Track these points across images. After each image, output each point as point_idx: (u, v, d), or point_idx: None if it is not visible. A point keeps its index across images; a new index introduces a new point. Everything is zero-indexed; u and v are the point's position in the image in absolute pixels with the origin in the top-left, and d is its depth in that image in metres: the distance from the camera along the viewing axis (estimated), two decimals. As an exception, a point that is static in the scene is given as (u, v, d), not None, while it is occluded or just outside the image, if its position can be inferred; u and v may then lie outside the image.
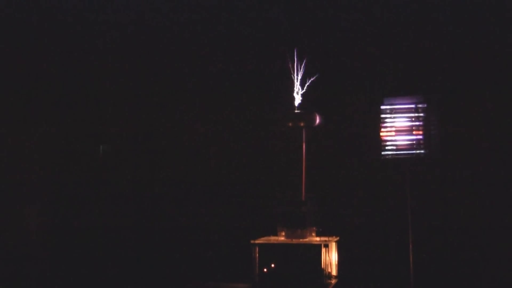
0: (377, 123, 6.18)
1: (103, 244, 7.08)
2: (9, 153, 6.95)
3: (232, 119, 7.10)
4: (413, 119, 6.10)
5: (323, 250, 5.81)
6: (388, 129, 6.15)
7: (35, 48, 7.08)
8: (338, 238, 6.14)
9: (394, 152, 6.12)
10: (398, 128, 6.13)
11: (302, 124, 6.18)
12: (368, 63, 6.69)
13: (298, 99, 6.24)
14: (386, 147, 6.14)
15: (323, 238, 5.98)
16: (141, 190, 7.32)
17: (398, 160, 6.14)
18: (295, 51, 6.26)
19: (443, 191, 6.45)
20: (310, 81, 6.20)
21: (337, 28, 6.78)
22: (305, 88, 6.24)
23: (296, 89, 6.24)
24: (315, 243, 5.88)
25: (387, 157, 6.15)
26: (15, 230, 6.86)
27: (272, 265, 5.89)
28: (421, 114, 6.08)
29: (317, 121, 6.18)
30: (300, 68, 6.25)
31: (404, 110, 6.12)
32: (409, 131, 6.10)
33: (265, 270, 5.89)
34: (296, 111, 6.22)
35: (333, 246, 6.06)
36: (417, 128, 6.08)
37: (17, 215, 6.91)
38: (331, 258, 5.94)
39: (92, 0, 7.12)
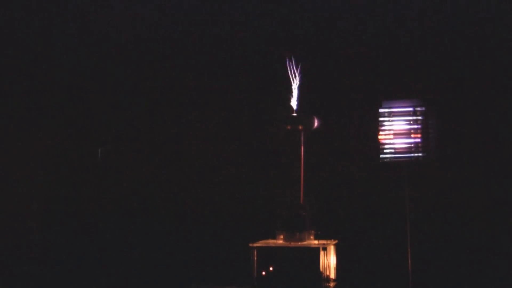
0: (376, 126, 6.18)
1: (102, 246, 7.07)
2: (8, 154, 6.95)
3: (230, 122, 7.09)
4: (411, 122, 6.10)
5: (322, 253, 5.81)
6: (387, 132, 6.15)
7: (35, 50, 7.08)
8: (336, 241, 6.14)
9: (393, 155, 6.12)
10: (397, 131, 6.12)
11: (300, 127, 6.19)
12: (367, 66, 6.69)
13: (296, 102, 6.24)
14: (385, 150, 6.14)
15: (321, 241, 5.98)
16: (139, 192, 7.31)
17: (396, 163, 6.14)
18: (293, 54, 6.26)
19: (442, 194, 6.46)
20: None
21: (335, 31, 6.78)
22: (303, 91, 6.24)
23: (294, 92, 6.24)
24: (314, 246, 5.88)
25: (385, 160, 6.15)
26: (14, 231, 6.86)
27: (271, 269, 5.89)
28: (420, 117, 6.07)
29: (316, 124, 6.18)
30: (299, 71, 6.25)
31: (403, 113, 6.12)
32: (408, 134, 6.10)
33: (263, 273, 5.89)
34: (294, 114, 6.22)
35: (332, 249, 6.05)
36: (416, 131, 6.07)
37: (16, 216, 6.91)
38: (329, 261, 5.94)
39: (92, 2, 7.13)
